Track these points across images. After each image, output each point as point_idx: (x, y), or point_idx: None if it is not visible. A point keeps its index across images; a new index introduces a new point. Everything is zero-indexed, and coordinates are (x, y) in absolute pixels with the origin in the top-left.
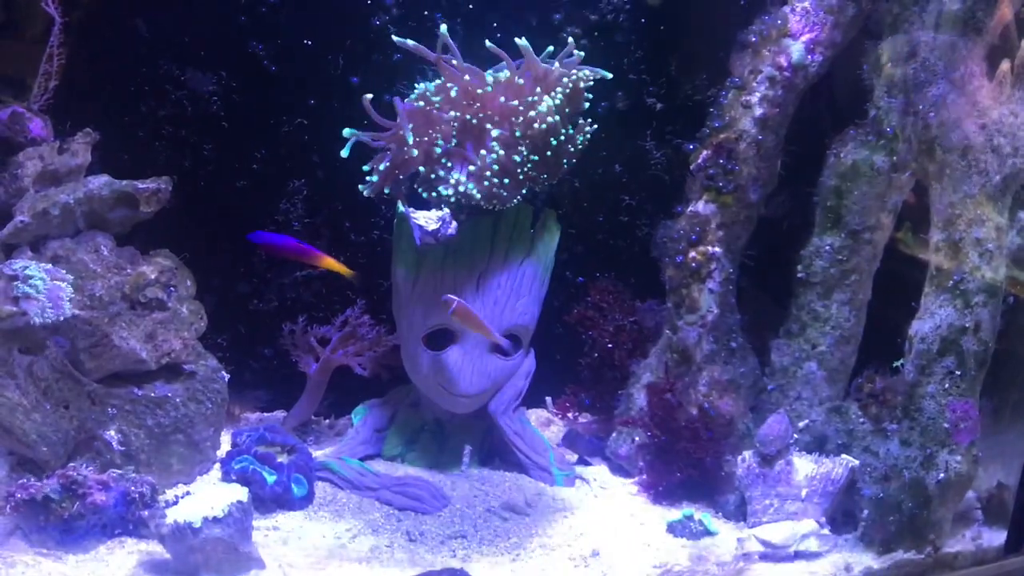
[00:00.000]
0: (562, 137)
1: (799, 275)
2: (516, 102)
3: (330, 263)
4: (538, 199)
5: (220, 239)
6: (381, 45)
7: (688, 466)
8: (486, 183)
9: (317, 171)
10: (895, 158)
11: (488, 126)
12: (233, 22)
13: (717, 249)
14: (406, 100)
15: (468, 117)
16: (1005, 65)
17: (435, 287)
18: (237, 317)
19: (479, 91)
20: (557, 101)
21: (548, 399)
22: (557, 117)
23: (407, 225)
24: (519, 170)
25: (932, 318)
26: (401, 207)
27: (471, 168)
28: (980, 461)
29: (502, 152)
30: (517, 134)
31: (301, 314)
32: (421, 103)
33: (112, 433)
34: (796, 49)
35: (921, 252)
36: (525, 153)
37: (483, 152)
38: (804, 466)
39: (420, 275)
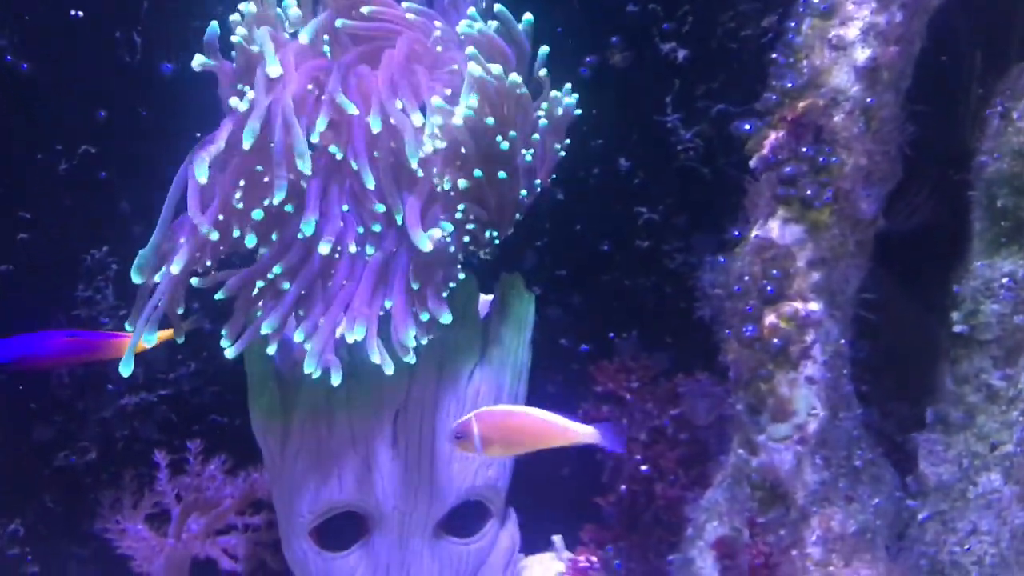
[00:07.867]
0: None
1: (956, 329)
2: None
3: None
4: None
5: None
6: None
7: None
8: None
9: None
10: None
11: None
12: None
13: (814, 307)
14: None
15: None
16: None
17: (319, 442)
18: (38, 484)
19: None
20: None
21: (557, 540)
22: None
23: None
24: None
25: None
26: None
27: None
28: None
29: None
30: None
31: (135, 468)
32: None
33: None
34: None
35: None
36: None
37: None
38: None
39: (293, 424)
